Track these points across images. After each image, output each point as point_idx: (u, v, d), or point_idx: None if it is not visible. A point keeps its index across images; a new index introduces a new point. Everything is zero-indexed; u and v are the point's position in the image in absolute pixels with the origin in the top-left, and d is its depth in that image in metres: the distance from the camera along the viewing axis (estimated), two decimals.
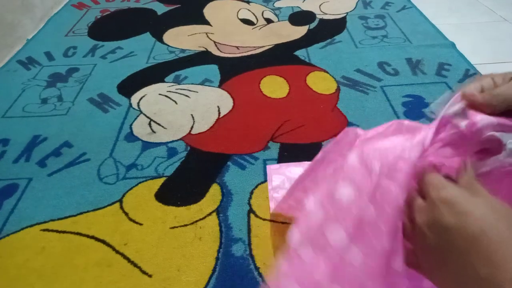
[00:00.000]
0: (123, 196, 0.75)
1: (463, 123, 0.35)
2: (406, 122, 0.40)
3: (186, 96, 1.01)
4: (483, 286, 0.25)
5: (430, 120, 0.37)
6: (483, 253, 0.25)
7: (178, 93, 1.02)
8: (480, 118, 0.35)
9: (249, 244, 0.65)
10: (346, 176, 0.38)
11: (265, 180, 0.76)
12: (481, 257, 0.25)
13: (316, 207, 0.40)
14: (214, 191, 0.75)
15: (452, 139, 0.36)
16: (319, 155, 0.49)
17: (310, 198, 0.41)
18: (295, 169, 0.76)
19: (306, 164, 0.77)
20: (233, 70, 1.11)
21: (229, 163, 0.81)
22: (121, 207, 0.72)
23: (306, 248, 0.39)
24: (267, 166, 0.78)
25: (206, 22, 1.39)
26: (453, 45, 1.17)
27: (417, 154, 0.35)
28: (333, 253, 0.37)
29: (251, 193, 0.74)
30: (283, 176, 0.75)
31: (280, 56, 1.17)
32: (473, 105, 0.35)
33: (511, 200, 0.36)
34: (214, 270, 0.62)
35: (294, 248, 0.40)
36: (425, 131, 0.36)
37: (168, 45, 1.26)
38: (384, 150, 0.37)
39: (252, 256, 0.63)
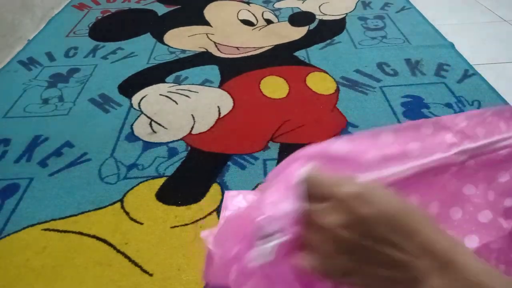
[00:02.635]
0: (124, 195, 0.75)
1: None
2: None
3: (187, 96, 1.02)
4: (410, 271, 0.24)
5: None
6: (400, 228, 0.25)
7: (179, 94, 1.03)
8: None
9: None
10: None
11: (265, 180, 0.76)
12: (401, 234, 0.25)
13: None
14: (214, 190, 0.75)
15: None
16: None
17: None
18: (253, 197, 0.73)
19: (258, 193, 0.72)
20: (233, 70, 1.12)
21: (229, 163, 0.81)
22: (122, 207, 0.73)
23: None
24: (226, 192, 0.75)
25: (207, 23, 1.39)
26: (452, 45, 1.18)
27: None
28: None
29: None
30: (238, 205, 0.72)
31: (280, 57, 1.18)
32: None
33: None
34: None
35: None
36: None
37: (169, 46, 1.26)
38: None
39: None
